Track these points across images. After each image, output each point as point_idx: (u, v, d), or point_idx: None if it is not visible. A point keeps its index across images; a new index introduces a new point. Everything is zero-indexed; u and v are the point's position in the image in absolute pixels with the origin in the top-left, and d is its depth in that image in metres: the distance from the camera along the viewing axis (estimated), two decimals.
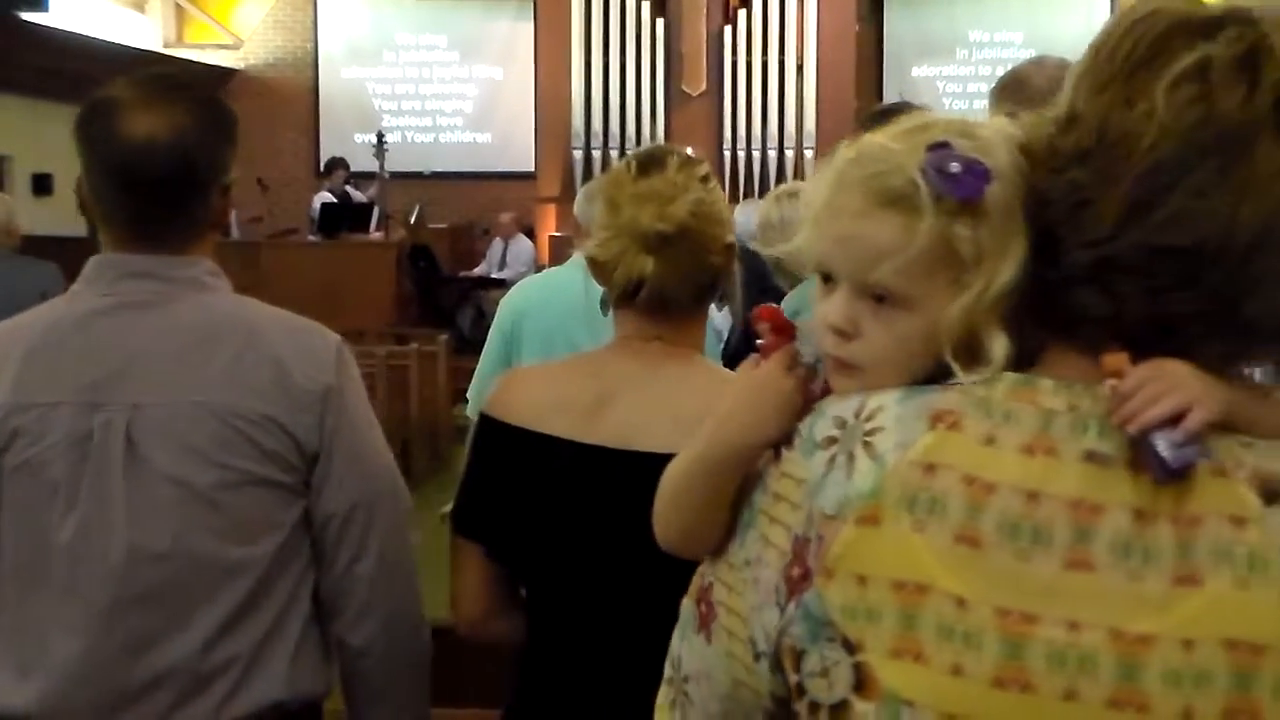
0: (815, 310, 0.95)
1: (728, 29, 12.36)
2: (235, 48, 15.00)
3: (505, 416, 1.65)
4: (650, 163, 1.64)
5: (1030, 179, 0.89)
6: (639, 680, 1.58)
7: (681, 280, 1.61)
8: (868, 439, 0.88)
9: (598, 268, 1.65)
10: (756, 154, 12.31)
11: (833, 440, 0.90)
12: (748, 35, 12.36)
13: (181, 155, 1.62)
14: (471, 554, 1.69)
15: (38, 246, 6.02)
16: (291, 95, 14.96)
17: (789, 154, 12.28)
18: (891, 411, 0.88)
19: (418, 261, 11.67)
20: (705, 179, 1.65)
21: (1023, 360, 0.89)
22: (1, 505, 1.60)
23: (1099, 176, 0.84)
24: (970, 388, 0.87)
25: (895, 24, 14.14)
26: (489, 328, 2.97)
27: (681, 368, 1.65)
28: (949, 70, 14.07)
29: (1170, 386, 0.80)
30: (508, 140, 14.60)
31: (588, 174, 11.67)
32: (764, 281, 4.79)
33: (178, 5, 14.92)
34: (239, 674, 1.60)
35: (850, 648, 0.86)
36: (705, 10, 12.36)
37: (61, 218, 9.43)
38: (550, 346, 2.69)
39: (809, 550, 0.89)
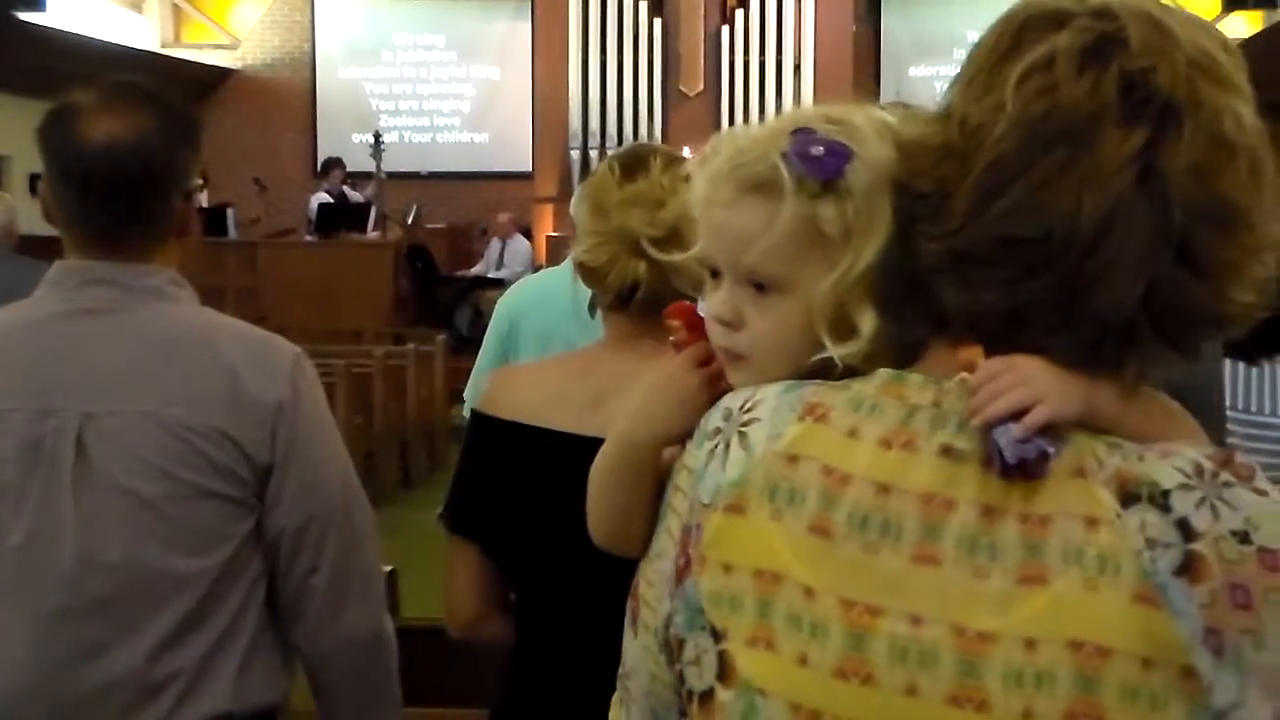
0: (704, 308, 0.98)
1: (725, 29, 12.38)
2: (232, 48, 15.00)
3: (500, 412, 1.65)
4: (634, 165, 1.63)
5: (905, 174, 0.88)
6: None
7: (674, 282, 1.61)
8: (743, 429, 0.89)
9: (587, 273, 1.64)
10: None
11: (718, 431, 0.91)
12: (745, 35, 12.37)
13: (140, 159, 1.60)
14: (466, 553, 1.68)
15: (34, 246, 6.01)
16: (289, 95, 14.97)
17: None
18: (769, 403, 0.89)
19: (415, 261, 11.66)
20: (689, 178, 1.64)
21: (909, 355, 0.89)
22: None
23: (957, 170, 0.84)
24: (848, 382, 0.88)
25: (892, 24, 14.16)
26: (486, 327, 2.97)
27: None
28: (946, 70, 14.06)
29: (1016, 381, 0.80)
30: (505, 140, 14.60)
31: (585, 174, 11.66)
32: None
33: (175, 5, 14.92)
34: (186, 685, 1.59)
35: (716, 635, 0.86)
36: (703, 10, 12.38)
37: None
38: (547, 346, 2.68)
39: (690, 539, 0.90)
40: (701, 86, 12.45)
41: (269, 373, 1.64)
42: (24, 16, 11.14)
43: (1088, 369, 0.82)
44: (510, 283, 4.18)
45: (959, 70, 0.88)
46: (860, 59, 13.08)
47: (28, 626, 1.56)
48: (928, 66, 14.10)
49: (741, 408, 0.91)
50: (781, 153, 0.90)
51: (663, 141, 12.06)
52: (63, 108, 1.64)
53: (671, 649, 0.91)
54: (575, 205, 1.68)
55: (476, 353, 2.94)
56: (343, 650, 1.71)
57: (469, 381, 2.95)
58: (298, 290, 10.53)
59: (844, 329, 0.91)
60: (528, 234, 12.45)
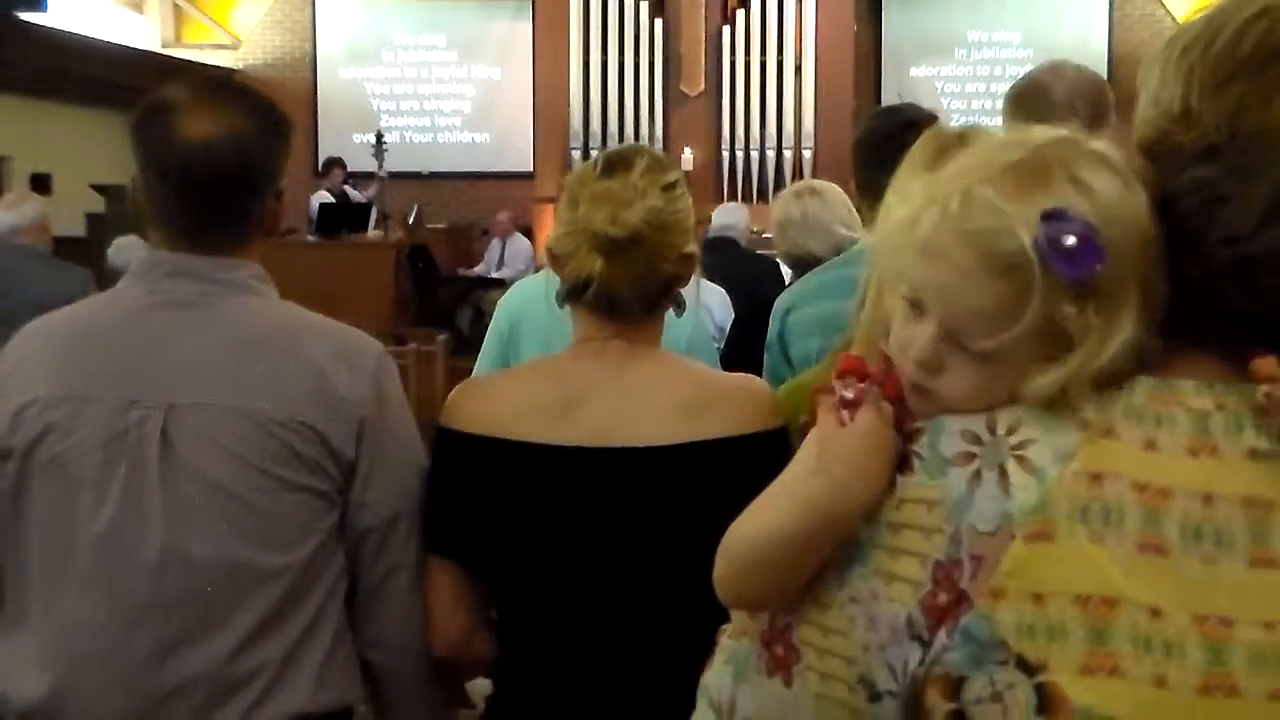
0: (896, 333, 0.94)
1: (726, 29, 12.37)
2: (233, 48, 14.99)
3: (468, 427, 1.63)
4: (617, 163, 1.62)
5: (1153, 178, 0.88)
6: (621, 681, 1.59)
7: (630, 284, 1.60)
8: (1019, 452, 0.86)
9: (554, 260, 1.64)
10: (755, 154, 12.31)
11: (970, 456, 0.87)
12: (746, 35, 12.37)
13: (238, 158, 1.61)
14: (446, 571, 1.66)
15: (61, 246, 6.03)
16: (290, 95, 14.92)
17: (787, 154, 12.28)
18: (1035, 423, 0.87)
19: (416, 262, 11.65)
20: (672, 185, 1.62)
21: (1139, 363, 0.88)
22: (32, 501, 1.59)
23: (1234, 174, 0.83)
24: (1106, 395, 0.86)
25: (893, 24, 14.13)
26: (487, 328, 2.97)
27: (648, 364, 1.64)
28: (947, 70, 14.07)
29: None
30: (506, 140, 14.59)
31: None
32: (764, 282, 4.79)
33: (176, 5, 14.91)
34: (267, 682, 1.57)
35: (1029, 669, 0.83)
36: (703, 10, 12.37)
37: (60, 217, 9.42)
38: (548, 348, 2.67)
39: (960, 573, 0.86)
40: (702, 87, 12.44)
41: (355, 370, 1.64)
42: (25, 16, 11.12)
43: None
44: (511, 283, 4.17)
45: (1178, 70, 0.87)
46: (861, 59, 13.07)
47: (111, 619, 1.55)
48: (929, 67, 14.09)
49: (995, 430, 0.88)
50: (1034, 240, 0.84)
51: (663, 142, 12.06)
52: (157, 104, 1.63)
53: (923, 693, 0.86)
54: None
55: (477, 353, 2.94)
56: (415, 653, 1.70)
57: None
58: (298, 290, 10.34)
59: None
60: (528, 234, 12.44)
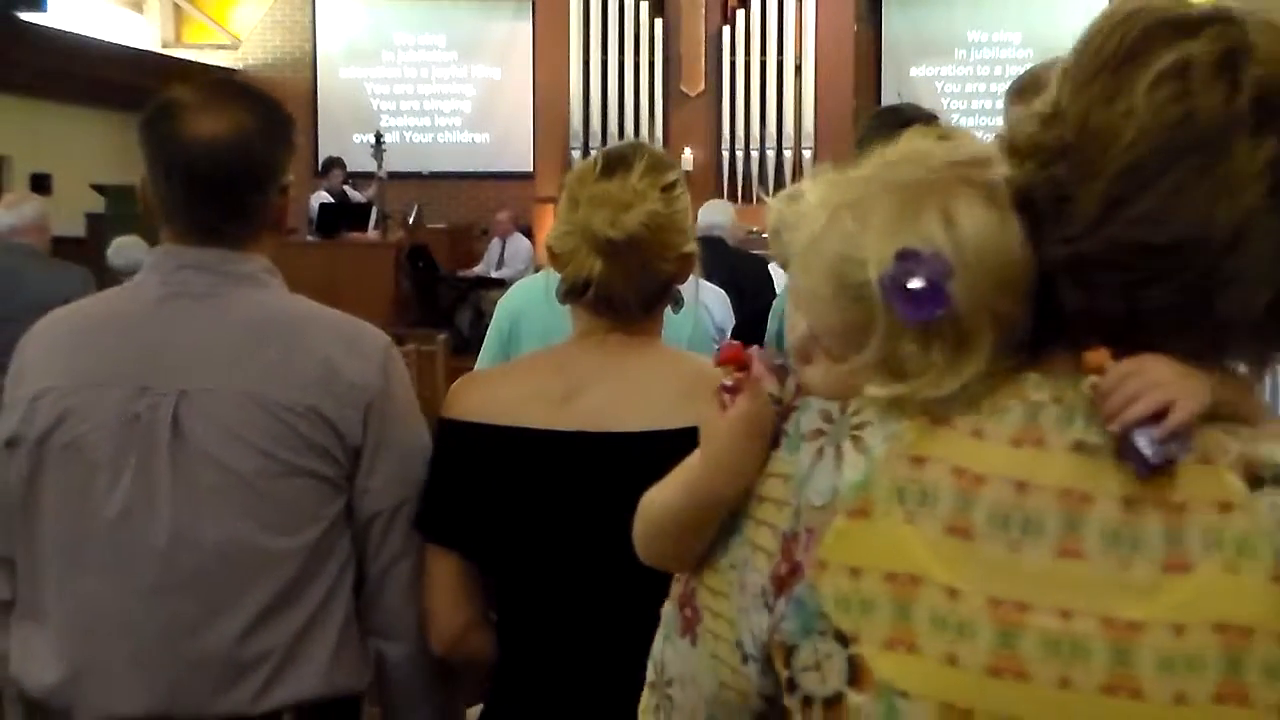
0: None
1: (726, 29, 12.37)
2: (233, 48, 15.00)
3: (469, 416, 1.65)
4: (616, 163, 1.63)
5: (1015, 175, 0.88)
6: (620, 672, 1.59)
7: (629, 285, 1.61)
8: (856, 432, 0.90)
9: (553, 258, 1.66)
10: (755, 154, 12.31)
11: (820, 433, 0.91)
12: (746, 35, 12.36)
13: (243, 155, 1.66)
14: (446, 564, 1.67)
15: (60, 246, 6.03)
16: (290, 95, 14.91)
17: (787, 154, 12.28)
18: (878, 407, 0.90)
19: (416, 261, 11.65)
20: (671, 186, 1.63)
21: (1020, 352, 0.89)
22: (48, 485, 1.62)
23: (1078, 172, 0.84)
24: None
25: (893, 24, 14.13)
26: (487, 327, 2.97)
27: (647, 354, 1.66)
28: (947, 70, 14.07)
29: (1150, 384, 0.81)
30: (506, 140, 14.59)
31: None
32: (754, 283, 4.76)
33: (176, 5, 14.91)
34: (275, 665, 1.61)
35: (844, 640, 0.86)
36: (704, 10, 12.36)
37: (60, 217, 9.42)
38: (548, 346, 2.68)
39: (798, 545, 0.90)
40: (702, 86, 12.44)
41: (362, 358, 1.68)
42: (25, 16, 11.13)
43: (1206, 364, 0.84)
44: (511, 282, 4.16)
45: (1064, 70, 0.88)
46: (861, 59, 13.07)
47: (124, 601, 1.59)
48: (929, 67, 14.08)
49: (845, 410, 0.91)
50: (881, 277, 0.86)
51: (664, 141, 12.06)
52: (165, 104, 1.68)
53: (770, 656, 0.91)
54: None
55: (477, 353, 2.94)
56: (417, 639, 1.72)
57: None
58: (298, 290, 10.44)
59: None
60: (528, 234, 12.44)
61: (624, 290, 1.62)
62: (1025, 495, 0.83)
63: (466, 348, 9.00)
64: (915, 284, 0.85)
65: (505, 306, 2.88)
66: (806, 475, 0.91)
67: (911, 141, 0.94)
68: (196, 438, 1.59)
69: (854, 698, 0.86)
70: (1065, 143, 0.85)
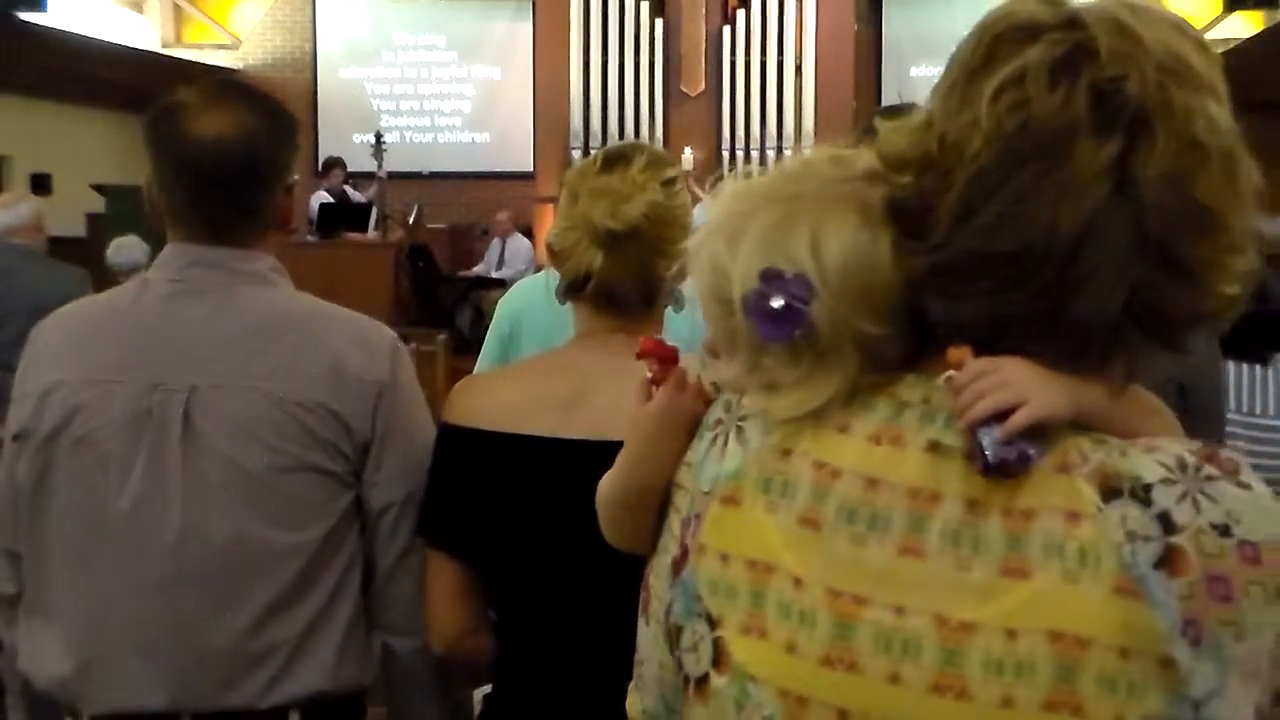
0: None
1: (726, 29, 12.37)
2: (234, 48, 15.00)
3: (472, 422, 1.64)
4: (616, 159, 1.64)
5: (892, 189, 0.89)
6: (620, 676, 1.59)
7: (629, 278, 1.61)
8: (740, 423, 0.93)
9: (553, 255, 1.66)
10: (755, 154, 12.31)
11: (719, 422, 0.95)
12: (746, 35, 12.37)
13: (248, 154, 1.67)
14: (445, 566, 1.67)
15: (56, 246, 6.02)
16: (290, 95, 14.93)
17: (787, 154, 12.27)
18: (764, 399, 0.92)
19: (416, 261, 11.66)
20: (670, 181, 1.64)
21: (894, 368, 0.90)
22: (58, 480, 1.63)
23: (939, 184, 0.85)
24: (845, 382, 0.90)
25: (894, 24, 14.14)
26: (487, 327, 2.97)
27: None
28: None
29: (1000, 383, 0.81)
30: (506, 140, 14.60)
31: None
32: None
33: (176, 5, 14.92)
34: (284, 658, 1.62)
35: (712, 623, 0.89)
36: (704, 10, 12.37)
37: (60, 217, 9.42)
38: (548, 347, 2.67)
39: (689, 530, 0.93)
40: (703, 86, 12.45)
41: (370, 353, 1.70)
42: (25, 16, 11.13)
43: (1074, 370, 0.83)
44: (511, 282, 4.16)
45: (939, 79, 0.89)
46: (861, 59, 13.07)
47: (133, 595, 1.60)
48: (929, 66, 14.07)
49: (740, 402, 0.94)
50: (743, 295, 0.89)
51: (664, 141, 12.06)
52: (170, 105, 1.69)
53: (671, 637, 0.94)
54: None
55: (478, 353, 2.94)
56: (426, 633, 1.72)
57: None
58: (298, 290, 10.48)
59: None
60: (528, 234, 12.45)
61: (625, 284, 1.62)
62: (875, 491, 0.84)
63: (466, 348, 9.00)
64: (775, 304, 0.87)
65: (505, 307, 2.88)
66: (701, 462, 0.94)
67: (812, 154, 0.96)
68: (207, 433, 1.61)
69: (716, 679, 0.89)
70: (929, 155, 0.86)
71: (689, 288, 1.68)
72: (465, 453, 1.64)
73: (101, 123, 12.54)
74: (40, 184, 11.99)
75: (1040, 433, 0.81)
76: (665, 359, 1.01)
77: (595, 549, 1.59)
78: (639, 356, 1.02)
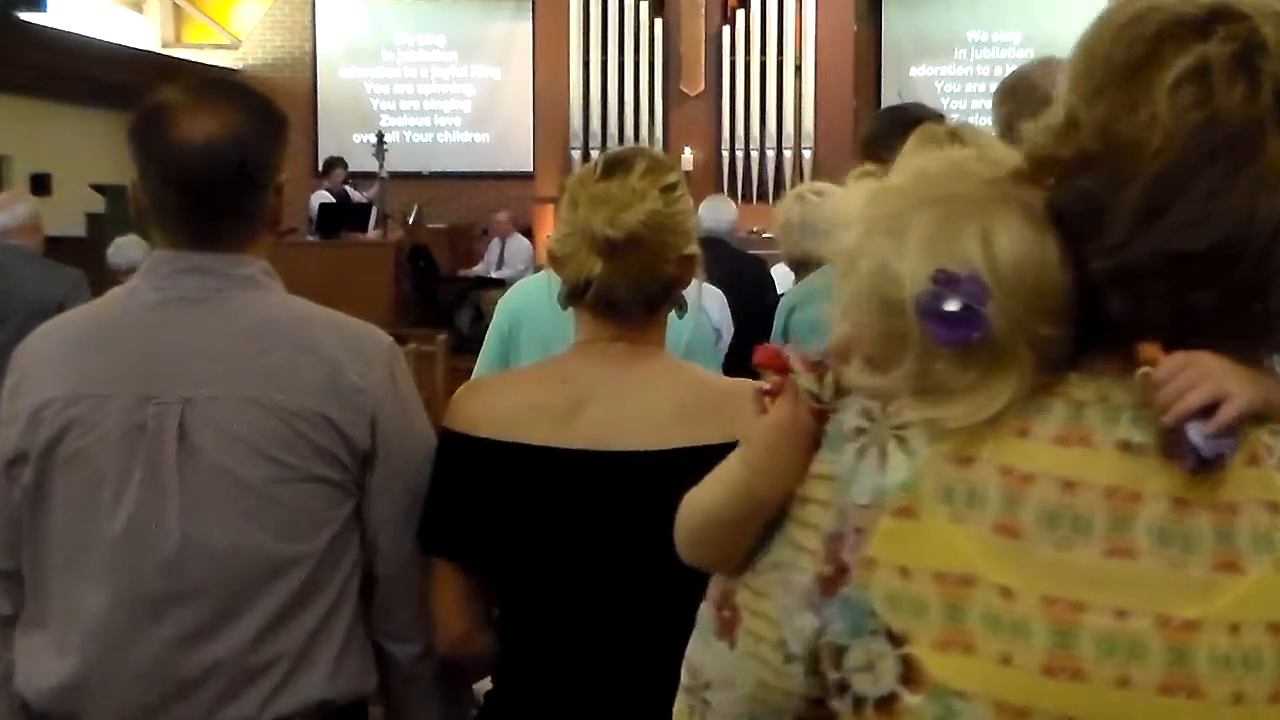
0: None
1: (726, 29, 12.36)
2: (233, 48, 15.00)
3: (472, 429, 1.64)
4: (616, 165, 1.63)
5: (1040, 192, 0.88)
6: (618, 681, 1.59)
7: (629, 286, 1.61)
8: (899, 432, 0.89)
9: (554, 262, 1.65)
10: (755, 154, 12.30)
11: (861, 431, 0.91)
12: (746, 35, 12.36)
13: (235, 155, 1.63)
14: (446, 571, 1.67)
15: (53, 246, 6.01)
16: (290, 95, 14.90)
17: (787, 154, 12.27)
18: (920, 406, 0.89)
19: (416, 261, 11.65)
20: (671, 187, 1.63)
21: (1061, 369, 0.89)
22: (52, 499, 1.61)
23: (1109, 183, 0.84)
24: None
25: (893, 24, 14.13)
26: (487, 327, 2.96)
27: (649, 366, 1.65)
28: (947, 70, 14.06)
29: (1202, 377, 0.81)
30: (506, 140, 14.59)
31: None
32: (755, 285, 4.75)
33: (176, 5, 14.91)
34: (286, 670, 1.60)
35: (895, 640, 0.86)
36: (704, 10, 12.36)
37: (60, 217, 9.42)
38: (549, 348, 2.66)
39: (844, 545, 0.90)
40: (702, 87, 12.44)
41: (367, 361, 1.66)
42: (24, 16, 11.13)
43: (1252, 362, 0.84)
44: (511, 283, 4.16)
45: (1070, 78, 0.87)
46: (861, 59, 13.06)
47: (132, 610, 1.57)
48: (929, 67, 14.08)
49: (887, 409, 0.90)
50: (917, 297, 0.86)
51: (664, 142, 12.06)
52: (153, 107, 1.65)
53: (819, 660, 0.91)
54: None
55: (477, 353, 2.94)
56: (427, 640, 1.72)
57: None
58: (298, 290, 10.39)
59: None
60: (528, 234, 12.44)
61: (625, 291, 1.61)
62: (1074, 494, 0.83)
63: (466, 348, 8.99)
64: (950, 306, 0.84)
65: (505, 307, 2.88)
66: (850, 476, 0.90)
67: (950, 154, 0.94)
68: (203, 445, 1.58)
69: (909, 698, 0.86)
70: (1087, 154, 0.85)
71: (691, 291, 1.69)
72: (466, 461, 1.64)
73: (101, 123, 12.52)
74: (40, 184, 11.97)
75: (1235, 426, 0.81)
76: (783, 369, 0.96)
77: (593, 557, 1.59)
78: (755, 366, 0.97)
